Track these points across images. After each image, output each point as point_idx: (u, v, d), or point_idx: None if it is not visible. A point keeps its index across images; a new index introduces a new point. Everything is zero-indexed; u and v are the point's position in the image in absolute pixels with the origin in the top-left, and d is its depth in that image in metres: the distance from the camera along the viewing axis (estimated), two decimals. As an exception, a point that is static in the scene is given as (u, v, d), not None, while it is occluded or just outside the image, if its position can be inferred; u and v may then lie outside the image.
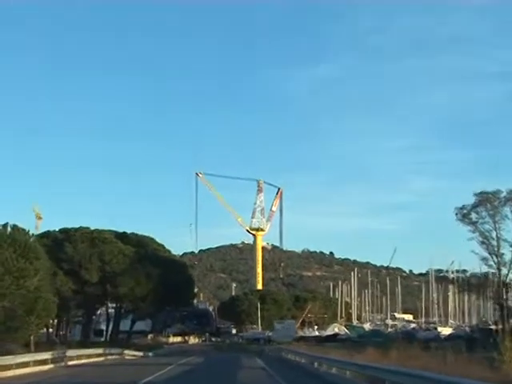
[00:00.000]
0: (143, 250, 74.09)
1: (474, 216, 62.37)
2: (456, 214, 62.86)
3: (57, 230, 74.10)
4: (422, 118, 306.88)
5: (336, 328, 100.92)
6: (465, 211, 62.43)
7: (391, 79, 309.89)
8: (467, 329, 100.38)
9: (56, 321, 73.72)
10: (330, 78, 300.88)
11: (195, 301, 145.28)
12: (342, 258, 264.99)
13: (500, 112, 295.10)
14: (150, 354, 62.48)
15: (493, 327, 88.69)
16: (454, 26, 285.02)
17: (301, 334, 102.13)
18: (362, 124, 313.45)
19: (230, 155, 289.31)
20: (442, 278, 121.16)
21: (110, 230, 75.60)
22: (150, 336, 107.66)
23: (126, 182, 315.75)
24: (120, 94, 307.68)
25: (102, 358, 46.90)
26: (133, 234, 77.94)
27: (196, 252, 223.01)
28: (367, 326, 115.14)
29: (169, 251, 79.41)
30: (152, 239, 78.19)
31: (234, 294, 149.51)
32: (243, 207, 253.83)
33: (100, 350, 48.90)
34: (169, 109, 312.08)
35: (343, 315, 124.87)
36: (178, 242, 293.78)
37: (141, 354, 58.54)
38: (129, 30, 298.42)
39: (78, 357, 43.11)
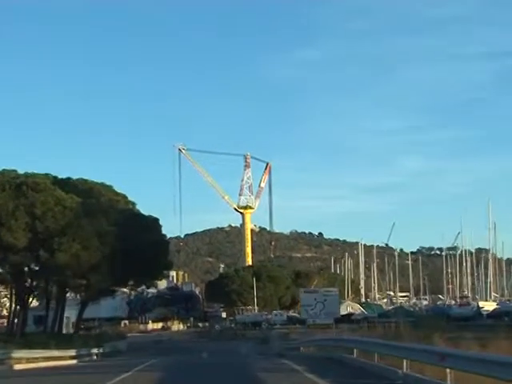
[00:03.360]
0: (93, 201, 47.38)
1: None
2: None
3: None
4: (411, 98, 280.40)
5: (349, 307, 76.90)
6: None
7: (374, 60, 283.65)
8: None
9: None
10: (317, 61, 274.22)
11: (179, 282, 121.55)
12: (332, 238, 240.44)
13: (488, 91, 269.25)
14: (95, 351, 36.06)
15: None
16: (441, 6, 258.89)
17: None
18: (350, 106, 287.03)
19: (216, 139, 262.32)
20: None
21: (45, 174, 48.87)
22: (123, 323, 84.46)
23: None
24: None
25: None
26: (80, 179, 51.15)
27: (182, 236, 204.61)
28: (383, 304, 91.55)
29: (133, 203, 52.44)
30: (108, 187, 51.21)
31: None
32: (230, 189, 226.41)
33: None
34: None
35: (351, 293, 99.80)
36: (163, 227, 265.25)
37: (71, 353, 31.64)
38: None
39: None
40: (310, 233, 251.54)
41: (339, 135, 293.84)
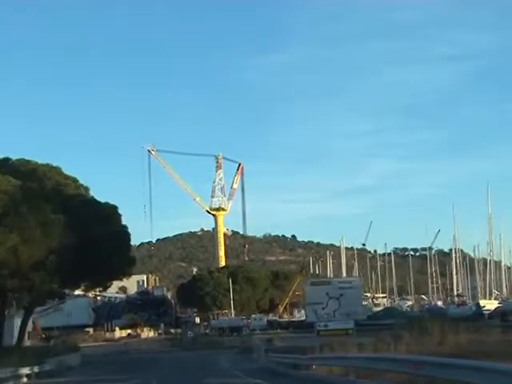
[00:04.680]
0: (37, 185, 37.83)
1: None
2: None
3: None
4: (378, 101, 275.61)
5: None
6: None
7: (345, 65, 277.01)
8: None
9: None
10: (286, 65, 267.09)
11: (150, 286, 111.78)
12: (305, 241, 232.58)
13: (455, 93, 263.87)
14: (26, 371, 26.45)
15: None
16: (408, 10, 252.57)
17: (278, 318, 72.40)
18: (321, 110, 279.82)
19: (187, 141, 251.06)
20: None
21: (-22, 153, 39.07)
22: (86, 330, 75.81)
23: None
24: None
25: None
26: (21, 159, 41.41)
27: (153, 241, 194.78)
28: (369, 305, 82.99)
29: (85, 188, 42.39)
30: (55, 168, 41.23)
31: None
32: (202, 191, 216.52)
33: None
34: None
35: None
36: (134, 232, 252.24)
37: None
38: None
39: None
40: (284, 236, 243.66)
41: (311, 139, 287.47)
